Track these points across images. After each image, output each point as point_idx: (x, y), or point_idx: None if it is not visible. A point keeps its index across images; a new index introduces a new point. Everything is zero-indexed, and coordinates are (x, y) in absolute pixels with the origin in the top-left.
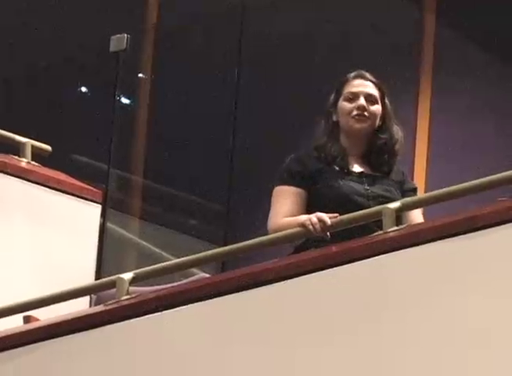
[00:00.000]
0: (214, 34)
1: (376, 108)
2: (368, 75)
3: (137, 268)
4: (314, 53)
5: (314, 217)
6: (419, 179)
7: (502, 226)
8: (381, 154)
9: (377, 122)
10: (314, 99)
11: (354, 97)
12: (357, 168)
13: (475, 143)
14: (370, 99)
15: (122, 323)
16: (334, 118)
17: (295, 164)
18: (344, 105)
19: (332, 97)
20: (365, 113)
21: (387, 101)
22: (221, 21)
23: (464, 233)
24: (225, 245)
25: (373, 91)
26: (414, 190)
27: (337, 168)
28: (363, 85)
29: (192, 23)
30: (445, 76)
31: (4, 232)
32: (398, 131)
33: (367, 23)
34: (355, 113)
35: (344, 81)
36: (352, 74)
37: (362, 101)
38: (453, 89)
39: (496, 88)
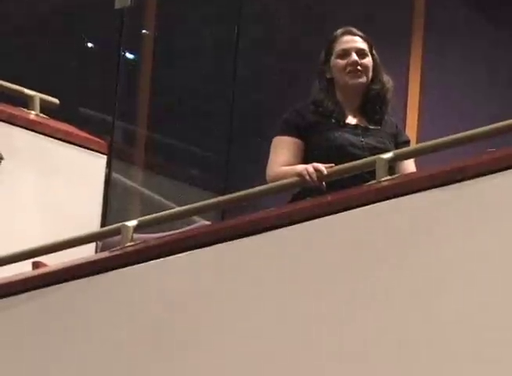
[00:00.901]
0: None
1: (368, 60)
2: (355, 30)
3: (141, 216)
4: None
5: (310, 167)
6: (411, 130)
7: (491, 176)
8: (374, 104)
9: (370, 75)
10: (312, 52)
11: (345, 53)
12: (352, 121)
13: (467, 94)
14: (361, 53)
15: (126, 268)
16: (328, 75)
17: (293, 115)
18: (337, 62)
19: (322, 55)
20: (359, 68)
21: (375, 53)
22: None
23: (454, 182)
24: (225, 194)
25: (363, 45)
26: (407, 142)
27: (334, 121)
28: (353, 41)
29: None
30: (437, 32)
31: (13, 182)
32: (388, 81)
33: None
34: (349, 69)
35: (334, 39)
36: (340, 31)
37: (354, 56)
38: (445, 43)
39: (488, 41)
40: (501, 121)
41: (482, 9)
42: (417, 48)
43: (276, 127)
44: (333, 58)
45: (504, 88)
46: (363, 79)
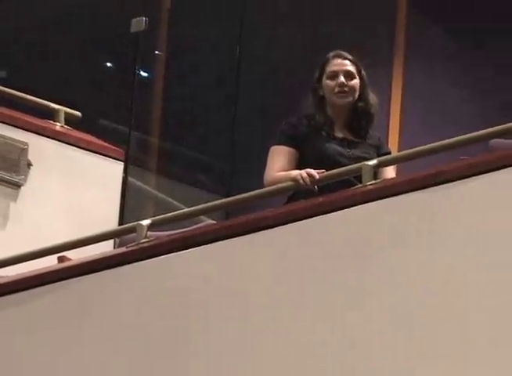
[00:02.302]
0: (219, 16)
1: (355, 82)
2: (345, 54)
3: (154, 216)
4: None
5: (304, 172)
6: (392, 138)
7: (463, 181)
8: (360, 120)
9: (356, 95)
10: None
11: (334, 75)
12: (340, 134)
13: (441, 108)
14: (348, 75)
15: (141, 262)
16: (320, 93)
17: (288, 127)
18: (327, 83)
19: (316, 74)
20: (345, 89)
21: (363, 73)
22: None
23: (430, 186)
24: (228, 197)
25: (351, 68)
26: (388, 154)
27: (324, 134)
28: (342, 64)
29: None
30: (416, 57)
31: (41, 185)
32: (373, 98)
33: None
34: (337, 90)
35: (326, 61)
36: (331, 54)
37: (341, 78)
38: (423, 66)
39: (463, 65)
40: (472, 130)
41: (458, 36)
42: (398, 70)
43: (274, 137)
44: (324, 78)
45: (470, 102)
46: (349, 99)
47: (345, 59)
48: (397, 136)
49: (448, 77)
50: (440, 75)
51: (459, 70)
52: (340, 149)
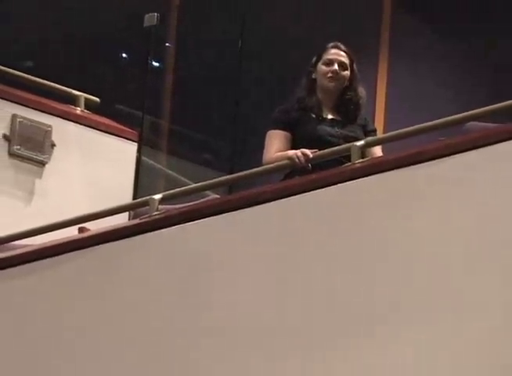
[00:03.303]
0: (223, 13)
1: (346, 73)
2: (343, 46)
3: (164, 191)
4: None
5: (299, 152)
6: (378, 124)
7: (442, 160)
8: (348, 106)
9: (345, 83)
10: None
11: (330, 63)
12: (329, 116)
13: (422, 98)
14: (342, 65)
15: (153, 233)
16: (313, 76)
17: (281, 114)
18: (322, 68)
19: (314, 59)
20: (336, 76)
21: (355, 67)
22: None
23: (413, 164)
24: (231, 174)
25: (345, 59)
26: (374, 131)
27: (313, 116)
28: (338, 54)
29: (205, 5)
30: (399, 53)
31: (64, 164)
32: (362, 91)
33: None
34: (329, 75)
35: (324, 49)
36: (331, 44)
37: (335, 66)
38: (406, 62)
39: (435, 57)
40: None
41: (440, 36)
42: (383, 64)
43: (271, 121)
44: (320, 64)
45: (447, 90)
46: (337, 85)
47: (342, 50)
48: (382, 117)
49: (433, 76)
50: (424, 74)
51: (444, 69)
52: (329, 129)
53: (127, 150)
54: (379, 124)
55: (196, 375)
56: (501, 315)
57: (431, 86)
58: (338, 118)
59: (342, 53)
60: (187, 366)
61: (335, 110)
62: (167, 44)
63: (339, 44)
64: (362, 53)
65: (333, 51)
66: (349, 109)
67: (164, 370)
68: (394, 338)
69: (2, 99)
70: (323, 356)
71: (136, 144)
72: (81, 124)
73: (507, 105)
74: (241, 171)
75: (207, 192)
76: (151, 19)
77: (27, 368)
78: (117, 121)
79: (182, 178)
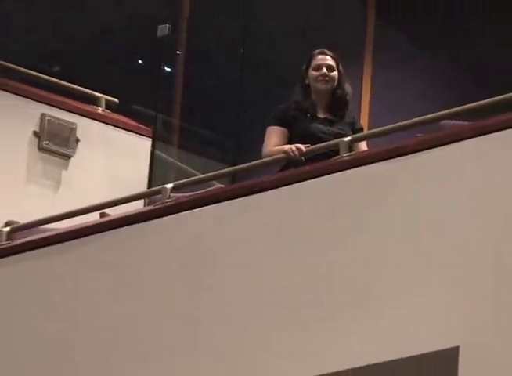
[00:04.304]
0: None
1: (334, 74)
2: (327, 51)
3: (175, 181)
4: None
5: (293, 146)
6: (363, 121)
7: (419, 153)
8: (338, 104)
9: (335, 83)
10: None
11: (319, 67)
12: (322, 115)
13: (403, 97)
14: (329, 67)
15: (165, 217)
16: (306, 82)
17: (279, 112)
18: (313, 73)
19: (304, 67)
20: (326, 78)
21: (340, 67)
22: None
23: (394, 157)
24: (234, 166)
25: (331, 62)
26: (361, 129)
27: (308, 115)
28: (324, 59)
29: (211, 17)
30: (381, 57)
31: (87, 157)
32: (348, 87)
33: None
34: (319, 78)
35: (312, 56)
36: (317, 51)
37: (324, 70)
38: (386, 64)
39: (416, 64)
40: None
41: (419, 43)
42: (368, 67)
43: (270, 118)
44: (310, 70)
45: (428, 96)
46: (329, 86)
47: (327, 55)
48: (367, 115)
49: (411, 85)
50: (403, 82)
51: (420, 72)
52: (321, 127)
53: (142, 145)
54: (364, 123)
55: (205, 340)
56: (472, 291)
57: (410, 91)
58: (330, 117)
59: (328, 57)
60: (196, 331)
61: (327, 109)
62: (177, 51)
63: (324, 50)
64: (348, 62)
65: (320, 57)
66: (339, 107)
67: (176, 338)
68: (376, 307)
69: (32, 99)
70: (318, 326)
71: (150, 140)
72: (102, 122)
73: (476, 106)
74: (243, 163)
75: (213, 182)
76: (163, 29)
77: (55, 341)
78: (134, 120)
79: (191, 170)
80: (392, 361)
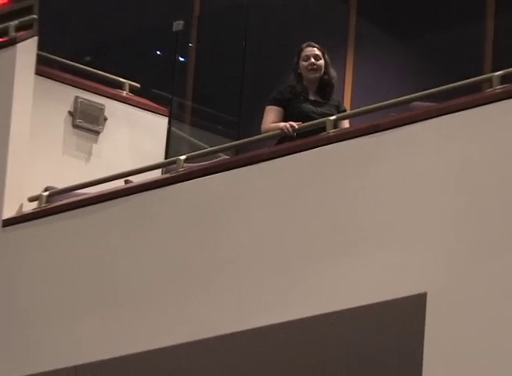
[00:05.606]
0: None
1: (321, 62)
2: (314, 44)
3: (188, 153)
4: None
5: (287, 124)
6: (346, 103)
7: (393, 130)
8: (325, 88)
9: (322, 70)
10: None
11: (307, 58)
12: (312, 98)
13: (381, 83)
14: (316, 57)
15: (179, 184)
16: (298, 71)
17: (277, 94)
18: (303, 64)
19: (295, 59)
20: (315, 67)
21: (326, 56)
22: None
23: (372, 133)
24: (238, 140)
25: (318, 52)
26: (345, 110)
27: (301, 98)
28: (312, 50)
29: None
30: (363, 46)
31: (113, 133)
32: (333, 72)
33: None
34: (309, 67)
35: (301, 49)
36: (305, 44)
37: (312, 60)
38: (368, 54)
39: (393, 54)
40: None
41: (394, 35)
42: (350, 56)
43: (268, 100)
44: (300, 60)
45: (401, 81)
46: (317, 74)
47: (314, 47)
48: (349, 97)
49: (386, 67)
50: (381, 64)
51: (395, 60)
52: (312, 108)
53: (160, 123)
54: (346, 105)
55: (215, 280)
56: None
57: (386, 77)
58: (319, 99)
59: (314, 49)
60: (206, 275)
61: (316, 93)
62: (189, 44)
63: (311, 42)
64: (333, 53)
65: (308, 49)
66: (327, 90)
67: (188, 278)
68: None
69: (68, 84)
70: (313, 271)
71: (167, 118)
72: (126, 103)
73: (441, 89)
74: (245, 138)
75: (220, 154)
76: (178, 25)
77: (84, 284)
78: (153, 101)
79: (201, 144)
80: (362, 307)
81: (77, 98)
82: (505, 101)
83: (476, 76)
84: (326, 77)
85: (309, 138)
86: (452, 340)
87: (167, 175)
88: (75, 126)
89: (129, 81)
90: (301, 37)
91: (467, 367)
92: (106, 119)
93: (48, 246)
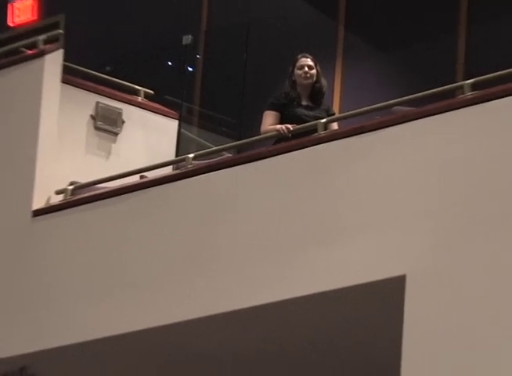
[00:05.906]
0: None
1: (313, 72)
2: (308, 55)
3: (196, 152)
4: None
5: (283, 126)
6: (336, 107)
7: (377, 131)
8: (317, 95)
9: (314, 79)
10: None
11: (301, 67)
12: (305, 103)
13: (366, 90)
14: (310, 67)
15: (188, 179)
16: (293, 78)
17: (274, 99)
18: (297, 72)
19: (290, 68)
20: (308, 75)
21: (318, 66)
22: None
23: (358, 134)
24: (239, 140)
25: (311, 63)
26: (334, 114)
27: (295, 103)
28: (306, 60)
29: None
30: (351, 57)
31: (130, 135)
32: (324, 82)
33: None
34: (303, 76)
35: (296, 59)
36: (300, 55)
37: (305, 69)
38: (356, 63)
39: (379, 64)
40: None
41: (378, 47)
42: (339, 66)
43: (266, 105)
44: (295, 69)
45: (384, 88)
46: (310, 81)
47: (307, 58)
48: (338, 103)
49: (371, 75)
50: (366, 73)
51: (379, 69)
52: (305, 112)
53: (171, 125)
54: (336, 109)
55: (221, 263)
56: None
57: (370, 84)
58: (311, 104)
59: (308, 59)
60: (213, 257)
61: (309, 98)
62: (197, 56)
63: (305, 54)
64: (324, 63)
65: (302, 59)
66: (318, 96)
67: (196, 261)
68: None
69: (90, 91)
70: (300, 257)
71: (177, 121)
72: (141, 108)
73: (421, 95)
74: (246, 138)
75: (224, 152)
76: (187, 39)
77: (99, 271)
78: (165, 106)
79: (207, 144)
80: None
81: (98, 103)
82: (475, 106)
83: (450, 83)
84: (317, 85)
85: (302, 138)
86: (430, 322)
87: (178, 171)
88: (96, 128)
89: (144, 89)
90: (295, 49)
91: (446, 349)
92: (123, 122)
93: (72, 233)
